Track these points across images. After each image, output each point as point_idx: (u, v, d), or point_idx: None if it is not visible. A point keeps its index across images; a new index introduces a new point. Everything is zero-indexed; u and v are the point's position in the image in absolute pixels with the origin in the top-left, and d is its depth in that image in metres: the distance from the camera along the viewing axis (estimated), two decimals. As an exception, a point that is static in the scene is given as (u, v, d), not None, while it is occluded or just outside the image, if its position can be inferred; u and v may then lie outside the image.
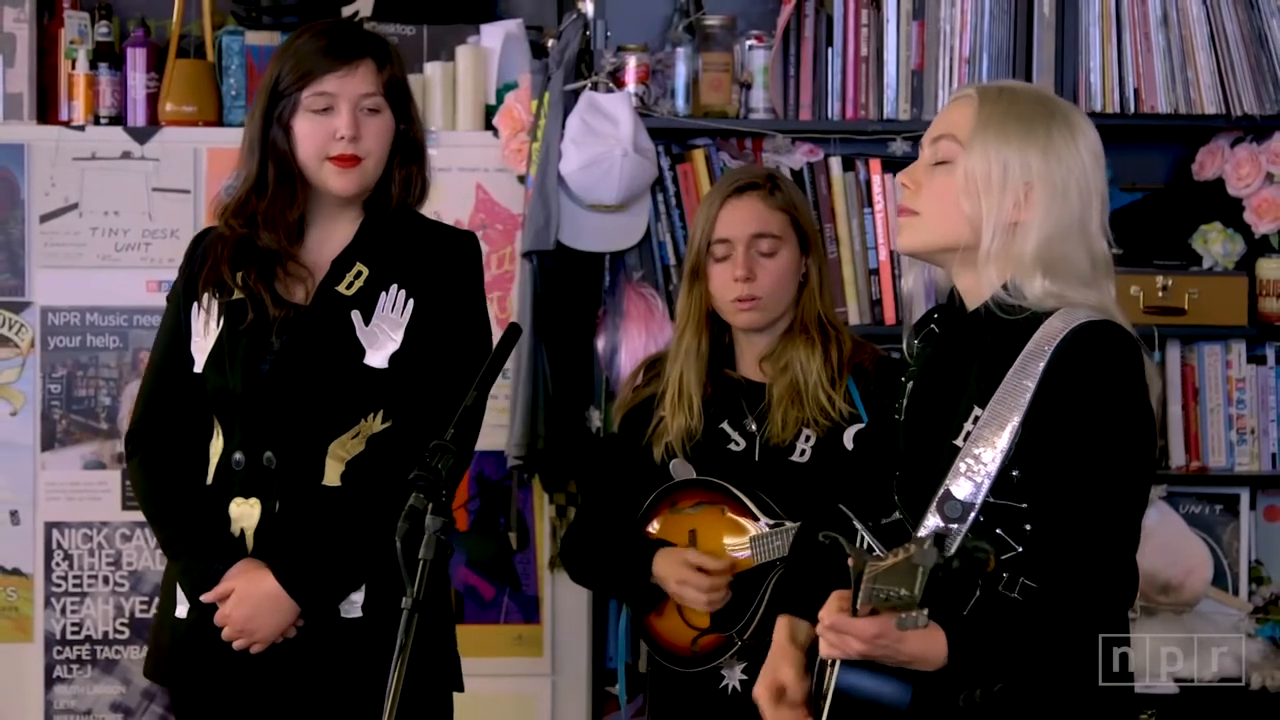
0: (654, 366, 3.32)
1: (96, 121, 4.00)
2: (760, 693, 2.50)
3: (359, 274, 2.90)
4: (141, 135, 3.97)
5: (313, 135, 2.86)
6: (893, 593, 2.12)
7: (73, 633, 3.97)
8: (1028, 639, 2.24)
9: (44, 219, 3.96)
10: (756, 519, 3.12)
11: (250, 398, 2.85)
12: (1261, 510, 4.12)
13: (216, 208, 2.96)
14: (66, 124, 4.01)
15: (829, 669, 2.31)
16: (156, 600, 3.92)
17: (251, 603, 2.81)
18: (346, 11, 4.08)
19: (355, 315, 2.88)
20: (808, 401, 3.14)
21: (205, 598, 2.85)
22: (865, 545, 2.36)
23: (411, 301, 2.89)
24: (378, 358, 2.86)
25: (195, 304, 2.92)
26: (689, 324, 3.23)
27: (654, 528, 3.21)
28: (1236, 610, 4.01)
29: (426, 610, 2.57)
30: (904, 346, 2.58)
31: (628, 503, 3.23)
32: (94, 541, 3.97)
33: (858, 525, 2.38)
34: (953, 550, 2.17)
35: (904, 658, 2.23)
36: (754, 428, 3.18)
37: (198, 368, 2.90)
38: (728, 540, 3.13)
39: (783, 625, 2.53)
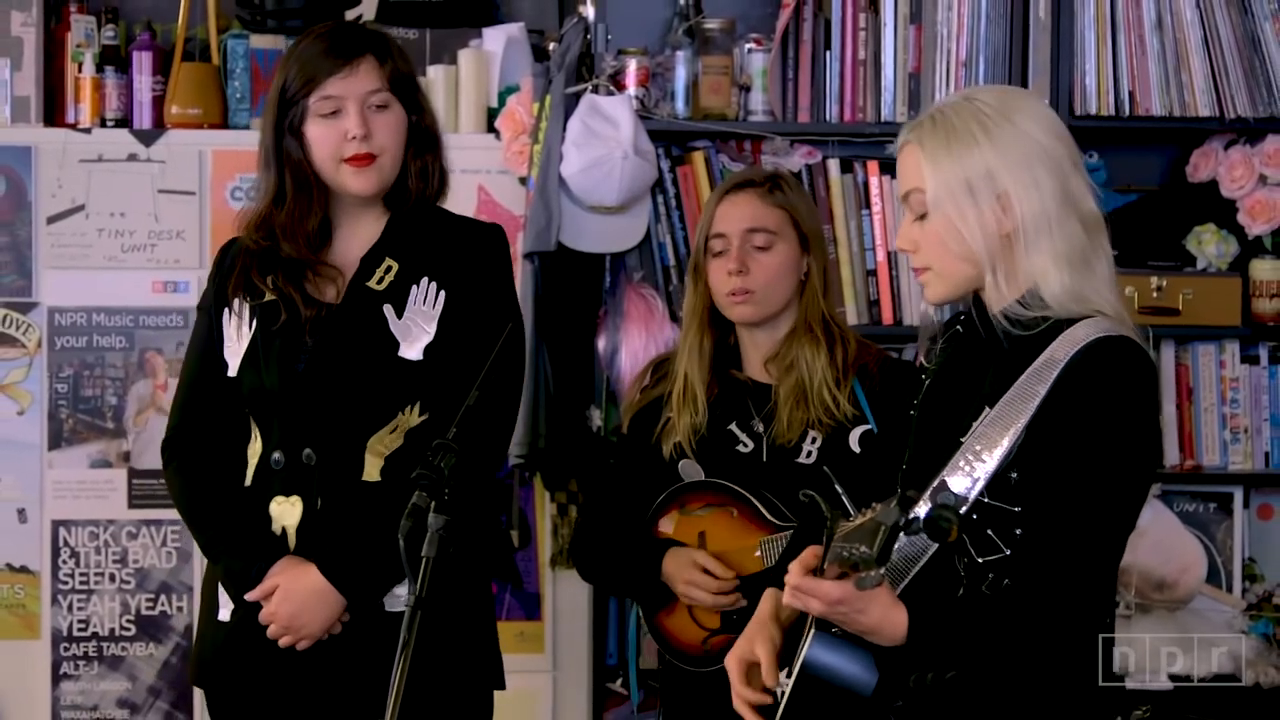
0: (661, 367, 3.34)
1: (103, 124, 4.01)
2: (731, 663, 2.45)
3: (389, 269, 2.90)
4: (147, 138, 3.99)
5: (325, 139, 2.87)
6: (854, 551, 2.14)
7: (79, 630, 3.99)
8: (985, 633, 2.25)
9: (51, 220, 3.98)
10: (765, 521, 3.14)
11: (287, 396, 2.85)
12: (1255, 508, 4.14)
13: (240, 222, 2.97)
14: (73, 126, 4.02)
15: (803, 637, 2.32)
16: (164, 598, 3.99)
17: (297, 599, 2.80)
18: (350, 15, 4.09)
19: (387, 309, 2.88)
20: (813, 402, 3.16)
21: (249, 596, 2.84)
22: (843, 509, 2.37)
23: (443, 294, 2.89)
24: (412, 350, 2.86)
25: (226, 310, 2.93)
26: (693, 321, 3.26)
27: (664, 528, 3.23)
28: (1230, 607, 4.03)
29: (467, 608, 2.57)
30: (920, 352, 2.55)
31: (638, 503, 3.25)
32: (100, 539, 3.99)
33: (839, 488, 2.38)
34: (914, 514, 2.18)
35: (862, 626, 2.24)
36: (761, 429, 3.21)
37: (232, 371, 2.90)
38: (744, 544, 3.14)
39: (768, 599, 2.48)
